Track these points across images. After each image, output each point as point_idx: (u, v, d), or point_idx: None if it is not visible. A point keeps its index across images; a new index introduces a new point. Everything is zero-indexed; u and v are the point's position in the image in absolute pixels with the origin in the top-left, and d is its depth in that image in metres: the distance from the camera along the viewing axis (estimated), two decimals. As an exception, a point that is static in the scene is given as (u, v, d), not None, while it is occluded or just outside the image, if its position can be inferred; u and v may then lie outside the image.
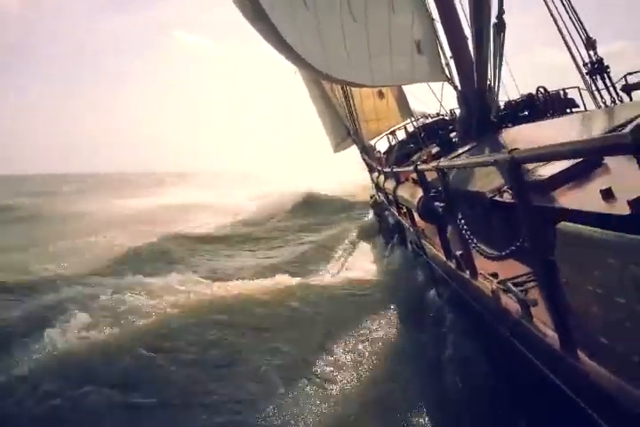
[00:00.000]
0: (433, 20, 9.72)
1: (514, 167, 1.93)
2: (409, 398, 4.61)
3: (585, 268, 1.56)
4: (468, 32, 8.79)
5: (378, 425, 4.40)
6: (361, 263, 10.80)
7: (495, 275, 3.26)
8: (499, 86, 8.10)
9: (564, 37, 9.02)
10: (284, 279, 9.25)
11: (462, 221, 3.24)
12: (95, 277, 10.24)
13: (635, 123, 1.13)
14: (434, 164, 3.52)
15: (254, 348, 6.14)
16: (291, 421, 4.49)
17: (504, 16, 6.48)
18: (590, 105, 9.38)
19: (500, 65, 7.40)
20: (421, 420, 4.27)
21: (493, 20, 6.63)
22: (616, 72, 7.91)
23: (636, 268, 1.29)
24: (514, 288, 2.61)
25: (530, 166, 4.98)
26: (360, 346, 5.96)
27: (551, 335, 2.09)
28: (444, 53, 9.76)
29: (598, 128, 4.50)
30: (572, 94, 10.38)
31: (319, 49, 7.36)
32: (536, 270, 2.13)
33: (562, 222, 1.66)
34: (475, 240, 3.05)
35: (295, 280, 9.13)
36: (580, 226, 1.56)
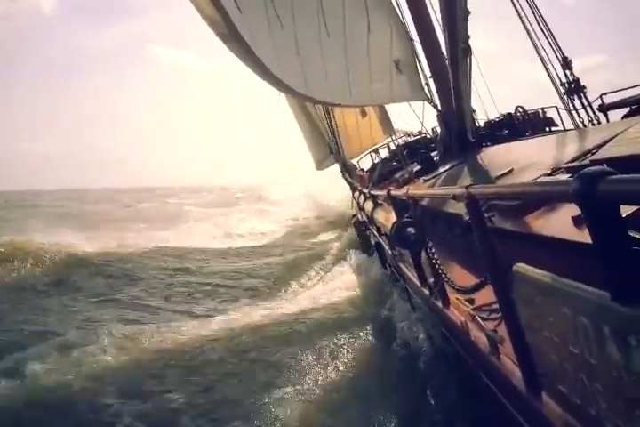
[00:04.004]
0: (412, 40, 9.80)
1: (471, 202, 1.87)
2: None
3: (541, 314, 1.49)
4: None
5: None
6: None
7: (471, 300, 3.19)
8: (469, 108, 8.23)
9: (542, 59, 9.16)
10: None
11: (433, 250, 3.17)
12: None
13: (582, 172, 1.07)
14: (404, 191, 3.47)
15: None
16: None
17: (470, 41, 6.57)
18: (569, 124, 9.52)
19: (469, 87, 7.51)
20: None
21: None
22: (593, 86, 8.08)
23: (586, 320, 1.22)
24: (483, 323, 2.54)
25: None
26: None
27: (517, 376, 2.02)
28: (423, 73, 9.82)
29: (570, 150, 4.49)
30: (551, 113, 10.52)
31: (298, 70, 7.35)
32: (500, 307, 2.05)
33: (518, 264, 1.59)
34: (445, 272, 2.98)
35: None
36: (535, 270, 1.49)
